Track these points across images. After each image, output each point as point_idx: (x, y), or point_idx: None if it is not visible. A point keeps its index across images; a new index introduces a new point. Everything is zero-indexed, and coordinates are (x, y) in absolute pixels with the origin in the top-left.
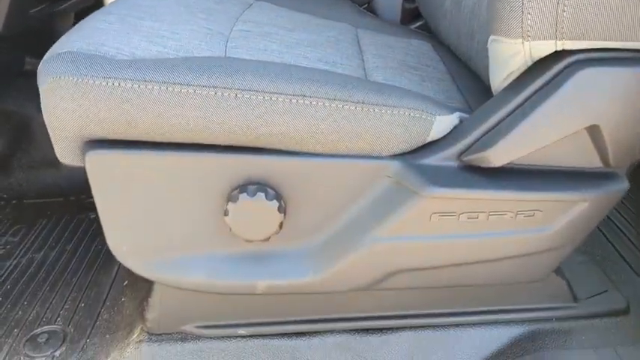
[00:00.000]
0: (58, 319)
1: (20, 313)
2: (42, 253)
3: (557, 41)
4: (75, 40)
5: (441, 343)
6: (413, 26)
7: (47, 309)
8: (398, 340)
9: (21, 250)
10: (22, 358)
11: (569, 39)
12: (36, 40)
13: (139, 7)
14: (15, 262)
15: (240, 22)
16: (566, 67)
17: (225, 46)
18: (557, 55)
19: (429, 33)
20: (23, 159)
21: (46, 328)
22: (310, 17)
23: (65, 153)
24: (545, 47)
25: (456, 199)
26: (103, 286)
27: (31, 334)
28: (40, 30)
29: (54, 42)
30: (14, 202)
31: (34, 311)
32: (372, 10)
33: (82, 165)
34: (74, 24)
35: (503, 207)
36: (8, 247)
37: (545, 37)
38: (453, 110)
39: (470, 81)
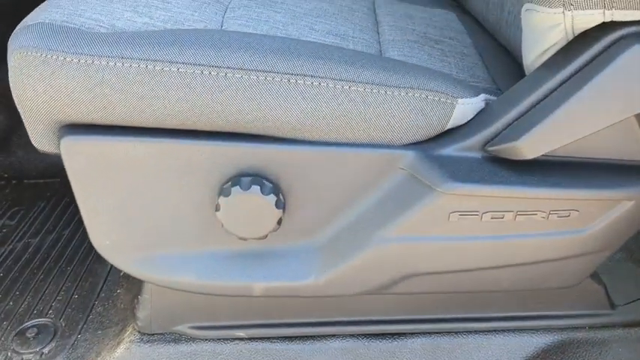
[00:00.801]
0: (50, 311)
1: (11, 303)
2: (38, 238)
3: (606, 11)
4: (49, 9)
5: (458, 351)
6: None
7: (39, 300)
8: (411, 347)
9: (17, 235)
10: (9, 354)
11: (619, 8)
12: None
13: None
14: (10, 247)
15: None
16: (614, 42)
17: (223, 17)
18: (604, 28)
19: (455, 1)
20: (23, 137)
21: (36, 321)
22: None
23: (39, 138)
24: (590, 18)
25: (479, 196)
26: (99, 276)
27: (21, 327)
28: (35, 3)
29: None
30: (14, 182)
31: (26, 302)
32: None
33: (59, 152)
34: None
35: (533, 206)
36: (5, 230)
37: (592, 5)
38: (477, 92)
39: (499, 57)
